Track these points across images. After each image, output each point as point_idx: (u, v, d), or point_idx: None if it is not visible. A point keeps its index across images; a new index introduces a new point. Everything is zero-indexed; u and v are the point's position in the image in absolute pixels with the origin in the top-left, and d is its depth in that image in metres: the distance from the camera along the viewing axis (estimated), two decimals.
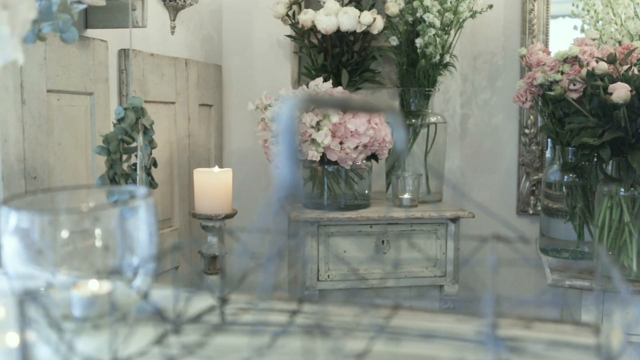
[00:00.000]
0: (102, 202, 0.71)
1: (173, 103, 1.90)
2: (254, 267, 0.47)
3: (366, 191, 1.83)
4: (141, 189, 0.66)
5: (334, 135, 1.69)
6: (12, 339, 0.50)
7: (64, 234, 0.60)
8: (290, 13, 2.08)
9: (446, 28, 1.90)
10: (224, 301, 0.60)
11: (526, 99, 1.72)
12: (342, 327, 0.41)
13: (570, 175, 1.69)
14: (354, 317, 0.59)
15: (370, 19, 1.93)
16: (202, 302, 0.63)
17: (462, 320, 0.59)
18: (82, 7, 1.01)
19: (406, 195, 1.82)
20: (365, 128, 1.68)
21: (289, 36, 2.13)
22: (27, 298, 0.38)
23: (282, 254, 0.38)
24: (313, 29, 1.98)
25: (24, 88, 1.29)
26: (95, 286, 0.63)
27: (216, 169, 1.72)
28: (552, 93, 1.63)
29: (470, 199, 0.65)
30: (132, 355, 0.49)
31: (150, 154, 1.41)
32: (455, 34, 1.97)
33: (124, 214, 0.61)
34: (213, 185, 1.68)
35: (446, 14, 1.88)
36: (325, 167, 1.78)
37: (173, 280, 1.28)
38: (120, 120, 1.30)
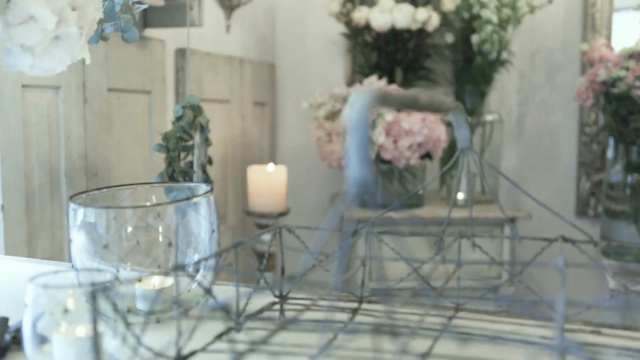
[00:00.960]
0: (163, 198, 0.72)
1: (228, 101, 1.92)
2: (314, 264, 0.47)
3: (420, 190, 1.81)
4: (202, 186, 0.67)
5: (388, 134, 1.68)
6: (82, 331, 0.51)
7: (129, 229, 0.61)
8: (344, 11, 2.07)
9: (503, 24, 1.86)
10: (284, 298, 0.60)
11: (588, 96, 1.67)
12: (406, 327, 0.41)
13: (635, 175, 1.63)
14: (418, 316, 0.58)
15: (425, 16, 1.90)
16: (262, 299, 0.63)
17: (526, 323, 0.58)
18: (143, 7, 1.03)
19: (461, 195, 1.79)
20: (419, 127, 1.66)
21: (344, 34, 2.13)
22: (97, 291, 0.39)
23: (348, 252, 0.37)
24: (367, 27, 1.97)
25: (86, 87, 1.33)
26: (158, 281, 0.64)
27: (271, 167, 1.73)
28: (615, 90, 1.58)
29: (532, 198, 0.63)
30: (196, 350, 0.49)
31: (206, 151, 1.43)
32: (513, 30, 1.92)
33: (186, 210, 0.62)
34: (267, 183, 1.69)
35: (503, 9, 1.84)
36: (379, 165, 1.77)
37: (233, 278, 1.30)
38: (178, 119, 1.32)
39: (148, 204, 0.66)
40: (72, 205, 0.62)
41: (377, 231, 0.53)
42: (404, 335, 0.35)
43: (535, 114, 2.19)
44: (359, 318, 0.58)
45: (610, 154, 2.07)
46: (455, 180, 1.82)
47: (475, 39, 1.87)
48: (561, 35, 2.14)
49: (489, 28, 1.83)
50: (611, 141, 2.04)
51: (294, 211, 1.93)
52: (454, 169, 1.89)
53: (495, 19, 1.83)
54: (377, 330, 0.33)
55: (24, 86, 1.17)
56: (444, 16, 1.97)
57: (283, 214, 1.70)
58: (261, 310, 0.56)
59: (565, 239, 0.57)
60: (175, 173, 1.19)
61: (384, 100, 0.34)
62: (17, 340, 0.57)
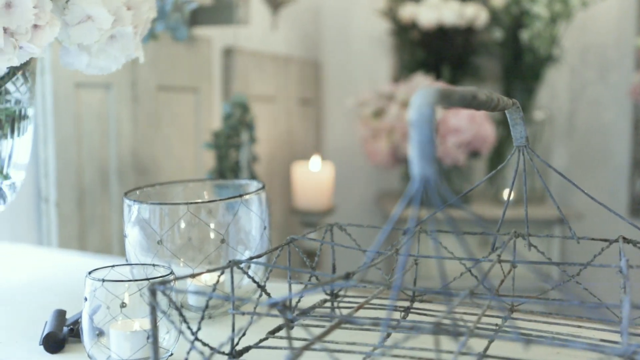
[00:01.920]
0: (214, 195, 0.73)
1: (273, 99, 1.93)
2: (366, 262, 0.47)
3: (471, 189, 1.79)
4: (254, 183, 0.68)
5: (435, 132, 1.66)
6: (138, 325, 0.52)
7: (182, 225, 0.62)
8: (391, 7, 2.06)
9: (555, 19, 1.82)
10: (335, 296, 0.60)
11: None
12: (464, 326, 0.40)
13: None
14: (474, 316, 0.57)
15: (473, 13, 1.88)
16: (312, 296, 0.63)
17: (584, 325, 0.56)
18: (193, 6, 1.05)
19: (509, 194, 1.76)
20: (467, 124, 1.64)
21: (390, 31, 2.11)
22: (156, 286, 0.39)
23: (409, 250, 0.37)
24: (414, 24, 1.95)
25: (136, 85, 1.35)
26: (209, 277, 0.65)
27: (317, 164, 1.73)
28: None
29: (591, 197, 0.60)
30: (250, 346, 0.50)
31: (252, 149, 1.44)
32: (564, 26, 1.88)
33: (238, 207, 0.63)
34: (313, 181, 1.69)
35: (555, 4, 1.80)
36: None
37: (279, 274, 1.31)
38: (227, 117, 1.33)
39: (200, 200, 0.67)
40: (126, 201, 0.63)
41: (430, 230, 0.52)
42: (463, 335, 0.35)
43: (587, 112, 2.13)
44: (411, 317, 0.57)
45: None
46: (510, 178, 1.79)
47: (524, 35, 1.83)
48: (615, 31, 2.08)
49: (539, 24, 1.79)
50: None
51: (339, 209, 1.93)
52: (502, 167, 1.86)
53: (546, 14, 1.78)
54: (437, 329, 0.32)
55: (76, 85, 1.20)
56: (493, 13, 1.94)
57: (328, 211, 1.70)
58: (312, 308, 0.56)
59: (627, 240, 0.55)
60: (225, 170, 1.21)
61: (445, 97, 0.33)
62: (74, 333, 0.58)
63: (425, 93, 0.30)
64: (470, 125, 1.65)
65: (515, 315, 0.60)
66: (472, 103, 0.38)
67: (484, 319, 0.58)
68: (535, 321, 0.57)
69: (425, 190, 0.30)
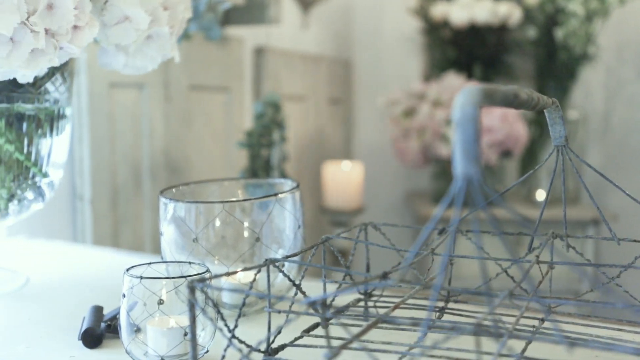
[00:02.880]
0: (248, 194, 0.73)
1: (304, 98, 1.93)
2: (405, 262, 0.47)
3: (509, 187, 1.77)
4: (288, 182, 0.68)
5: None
6: (174, 321, 0.52)
7: (217, 223, 0.62)
8: (423, 6, 2.05)
9: (591, 17, 1.78)
10: (368, 295, 0.60)
11: None
12: (503, 327, 0.40)
13: None
14: (512, 317, 0.56)
15: (507, 11, 1.85)
16: (346, 295, 0.63)
17: (624, 328, 0.55)
18: (226, 6, 1.05)
19: (543, 195, 1.73)
20: (499, 124, 1.62)
21: (422, 30, 2.10)
22: (193, 284, 0.40)
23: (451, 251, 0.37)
24: (446, 22, 1.94)
25: (169, 85, 1.36)
26: (242, 275, 0.65)
27: (347, 164, 1.73)
28: None
29: (633, 199, 0.59)
30: (285, 344, 0.50)
31: (283, 148, 1.44)
32: (600, 23, 1.84)
33: (273, 206, 0.63)
34: (343, 180, 1.69)
35: (591, 1, 1.76)
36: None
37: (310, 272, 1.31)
38: (260, 116, 1.34)
39: (235, 199, 0.67)
40: (162, 200, 0.64)
41: (471, 229, 0.51)
42: (503, 336, 0.34)
43: (623, 111, 2.09)
44: (446, 317, 0.57)
45: None
46: (544, 178, 1.77)
47: (559, 32, 1.80)
48: None
49: (574, 21, 1.76)
50: None
51: (368, 208, 1.92)
52: (533, 166, 1.83)
53: (581, 11, 1.75)
54: (478, 329, 0.32)
55: (110, 85, 1.21)
56: (527, 11, 1.91)
57: (358, 211, 1.70)
58: (347, 307, 0.56)
59: None
60: (257, 169, 1.22)
61: (488, 96, 0.33)
62: (111, 329, 0.59)
63: (469, 92, 0.30)
64: (503, 125, 1.63)
65: (552, 317, 0.59)
66: (513, 102, 0.37)
67: (520, 321, 0.57)
68: (573, 323, 0.56)
69: (468, 190, 0.30)
